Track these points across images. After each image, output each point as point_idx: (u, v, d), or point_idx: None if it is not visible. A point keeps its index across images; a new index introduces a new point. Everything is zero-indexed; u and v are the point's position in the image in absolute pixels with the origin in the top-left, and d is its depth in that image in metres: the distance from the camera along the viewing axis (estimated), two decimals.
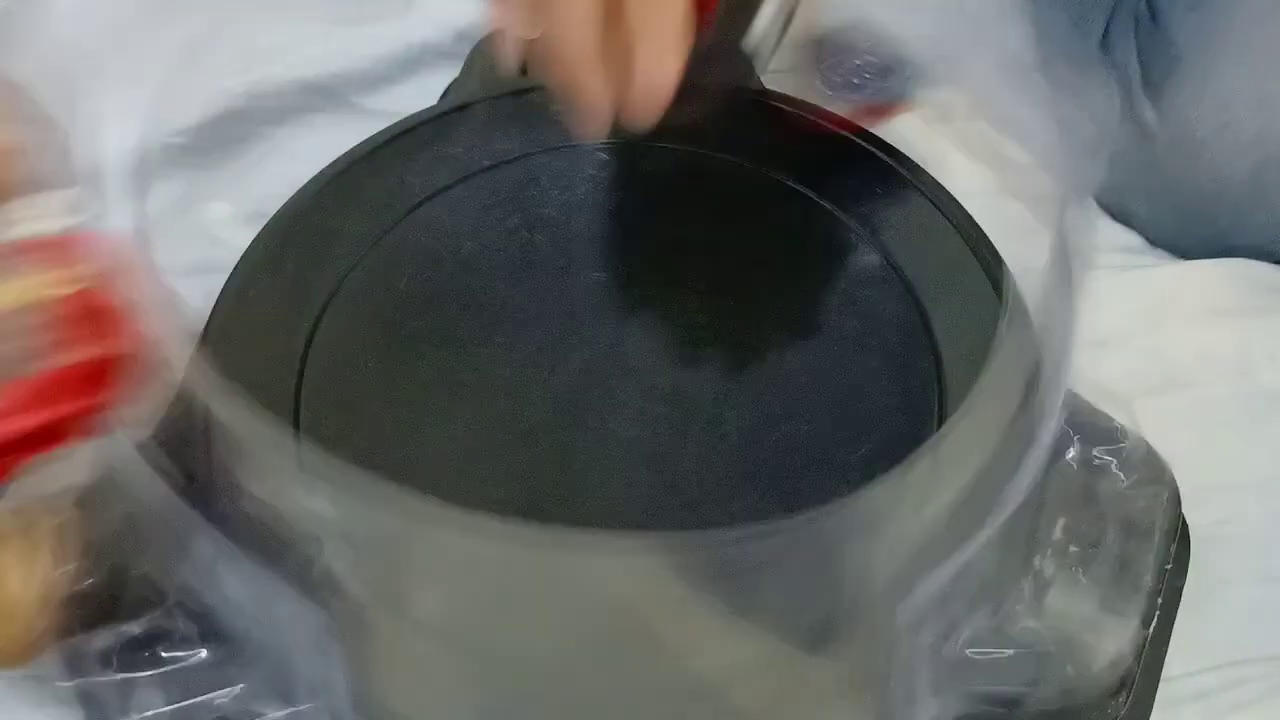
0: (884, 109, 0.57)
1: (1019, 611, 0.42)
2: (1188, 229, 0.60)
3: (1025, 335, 0.40)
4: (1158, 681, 0.43)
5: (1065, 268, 0.40)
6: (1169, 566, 0.45)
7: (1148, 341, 0.55)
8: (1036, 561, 0.43)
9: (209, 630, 0.42)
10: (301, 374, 0.48)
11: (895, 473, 0.38)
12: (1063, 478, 0.45)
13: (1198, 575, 0.46)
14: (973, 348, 0.48)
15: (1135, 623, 0.42)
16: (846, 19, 0.54)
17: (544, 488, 0.45)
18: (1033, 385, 0.39)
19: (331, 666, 0.38)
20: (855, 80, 0.55)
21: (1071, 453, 0.46)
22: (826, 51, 0.54)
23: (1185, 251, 0.61)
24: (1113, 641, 0.42)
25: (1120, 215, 0.62)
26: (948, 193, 0.53)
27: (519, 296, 0.51)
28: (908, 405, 0.47)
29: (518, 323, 0.50)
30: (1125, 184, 0.61)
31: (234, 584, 0.39)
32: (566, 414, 0.48)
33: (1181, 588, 0.46)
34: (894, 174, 0.55)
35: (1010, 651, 0.41)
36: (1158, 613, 0.44)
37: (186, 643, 0.42)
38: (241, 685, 0.42)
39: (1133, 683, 0.43)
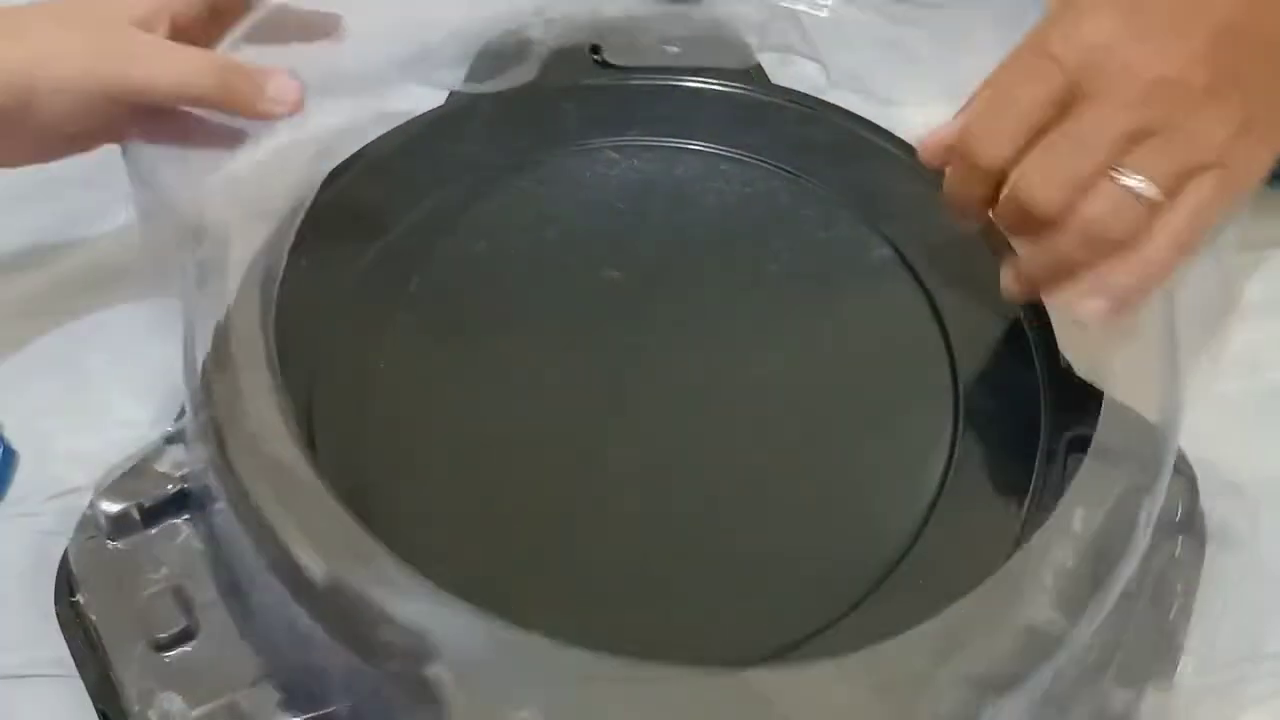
0: None
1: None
2: None
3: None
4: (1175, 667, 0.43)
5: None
6: (1185, 556, 0.45)
7: None
8: None
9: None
10: (313, 373, 0.48)
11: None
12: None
13: (1209, 572, 0.46)
14: (985, 335, 0.49)
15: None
16: None
17: (557, 485, 0.45)
18: None
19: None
20: None
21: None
22: None
23: None
24: None
25: None
26: None
27: (532, 294, 0.51)
28: (921, 392, 0.48)
29: (530, 320, 0.51)
30: None
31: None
32: (578, 409, 0.48)
33: (1198, 577, 0.45)
34: (902, 167, 0.55)
35: None
36: (1177, 600, 0.44)
37: None
38: None
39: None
